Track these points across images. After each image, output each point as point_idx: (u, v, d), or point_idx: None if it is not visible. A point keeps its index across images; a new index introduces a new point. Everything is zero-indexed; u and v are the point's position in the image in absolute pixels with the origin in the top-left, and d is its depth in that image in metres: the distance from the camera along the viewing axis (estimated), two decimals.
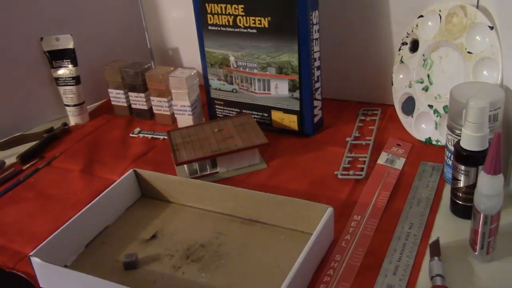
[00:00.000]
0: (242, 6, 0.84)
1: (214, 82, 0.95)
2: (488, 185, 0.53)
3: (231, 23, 0.87)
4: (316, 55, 0.85)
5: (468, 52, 0.76)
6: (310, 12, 0.81)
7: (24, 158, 0.89)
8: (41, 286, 0.62)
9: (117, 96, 1.04)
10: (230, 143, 0.79)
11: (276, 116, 0.90)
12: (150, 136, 0.95)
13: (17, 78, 0.97)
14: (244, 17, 0.85)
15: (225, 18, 0.87)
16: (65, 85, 1.00)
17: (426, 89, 0.83)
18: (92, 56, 1.05)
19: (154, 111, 1.00)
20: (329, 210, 0.61)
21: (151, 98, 0.98)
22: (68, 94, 1.00)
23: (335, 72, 0.98)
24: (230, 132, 0.82)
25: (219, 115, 0.97)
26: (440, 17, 0.80)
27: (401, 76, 0.88)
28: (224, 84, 0.94)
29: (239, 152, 0.79)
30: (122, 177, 0.74)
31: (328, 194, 0.73)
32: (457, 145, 0.61)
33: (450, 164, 0.68)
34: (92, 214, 0.67)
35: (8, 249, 0.68)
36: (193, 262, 0.63)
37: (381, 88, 0.95)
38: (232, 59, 0.90)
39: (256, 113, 0.92)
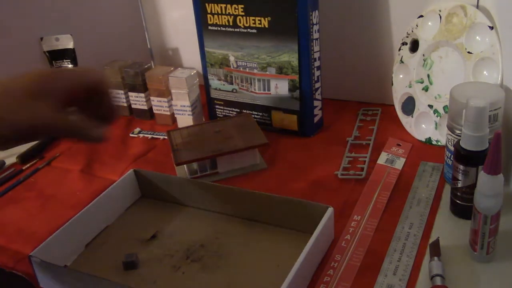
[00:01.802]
0: (242, 6, 0.84)
1: (214, 82, 0.95)
2: (488, 185, 0.53)
3: (231, 23, 0.87)
4: (316, 55, 0.85)
5: (468, 52, 0.76)
6: (310, 12, 0.81)
7: (24, 158, 0.89)
8: (41, 286, 0.62)
9: (117, 96, 1.04)
10: (230, 143, 0.79)
11: (276, 116, 0.90)
12: (150, 136, 0.95)
13: None
14: (244, 17, 0.85)
15: (225, 18, 0.87)
16: None
17: (426, 89, 0.83)
18: (92, 56, 1.05)
19: (154, 111, 1.00)
20: (329, 210, 0.61)
21: (151, 98, 0.98)
22: None
23: (335, 72, 0.98)
24: (230, 132, 0.82)
25: (219, 115, 0.97)
26: (440, 17, 0.80)
27: (401, 76, 0.88)
28: (224, 84, 0.94)
29: (239, 152, 0.79)
30: (122, 177, 0.74)
31: (328, 194, 0.73)
32: (457, 145, 0.61)
33: (450, 164, 0.68)
34: (92, 214, 0.67)
35: (8, 249, 0.68)
36: (193, 262, 0.63)
37: (381, 88, 0.95)
38: (232, 59, 0.90)
39: (256, 113, 0.92)
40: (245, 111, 0.93)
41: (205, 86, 0.97)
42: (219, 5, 0.86)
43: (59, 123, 0.55)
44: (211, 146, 0.79)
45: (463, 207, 0.64)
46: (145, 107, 1.01)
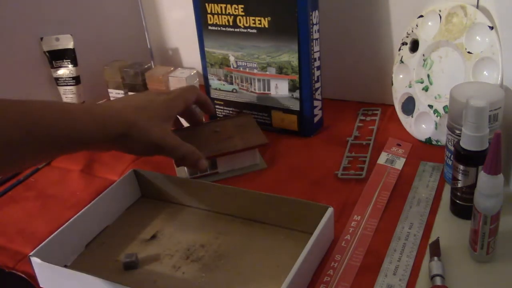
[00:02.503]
0: (242, 6, 0.84)
1: (214, 82, 0.95)
2: (488, 185, 0.53)
3: (231, 23, 0.87)
4: (316, 55, 0.85)
5: (468, 52, 0.76)
6: (310, 12, 0.81)
7: None
8: (41, 286, 0.62)
9: (117, 96, 1.03)
10: (229, 144, 0.79)
11: (276, 116, 0.90)
12: None
13: (17, 78, 0.97)
14: (244, 17, 0.85)
15: (225, 18, 0.87)
16: (65, 85, 1.00)
17: (426, 89, 0.83)
18: (92, 56, 1.05)
19: None
20: (329, 210, 0.61)
21: None
22: (68, 94, 1.00)
23: (335, 72, 0.98)
24: (229, 133, 0.82)
25: (219, 115, 0.97)
26: (440, 17, 0.80)
27: (401, 76, 0.88)
28: (224, 84, 0.94)
29: (239, 153, 0.79)
30: (122, 177, 0.74)
31: (328, 194, 0.73)
32: (457, 145, 0.61)
33: (450, 164, 0.68)
34: (92, 214, 0.67)
35: (8, 249, 0.68)
36: (193, 262, 0.63)
37: (381, 88, 0.95)
38: (232, 59, 0.90)
39: (256, 113, 0.92)
40: (245, 111, 0.93)
41: (205, 86, 0.97)
42: (219, 5, 0.86)
43: (181, 149, 0.67)
44: (210, 146, 0.79)
45: (463, 207, 0.64)
46: None
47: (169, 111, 0.68)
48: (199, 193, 0.72)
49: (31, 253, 0.59)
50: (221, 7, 0.86)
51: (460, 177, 0.62)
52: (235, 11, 0.85)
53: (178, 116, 0.79)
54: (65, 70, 0.99)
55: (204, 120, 0.83)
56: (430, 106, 0.81)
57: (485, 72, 0.74)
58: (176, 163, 0.74)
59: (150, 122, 0.63)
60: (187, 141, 0.79)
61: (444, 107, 0.79)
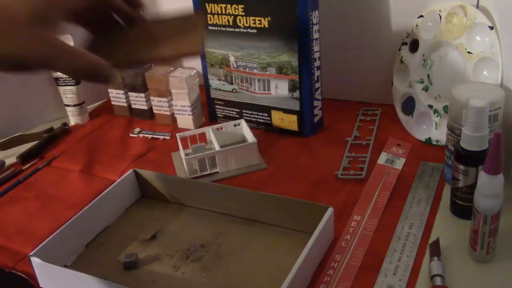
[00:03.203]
0: (242, 6, 0.84)
1: (214, 82, 0.95)
2: (488, 185, 0.53)
3: (231, 23, 0.87)
4: (316, 55, 0.85)
5: (468, 52, 0.76)
6: (310, 12, 0.81)
7: (24, 158, 0.89)
8: (41, 286, 0.62)
9: (117, 96, 1.04)
10: (153, 50, 0.56)
11: (276, 116, 0.90)
12: (150, 136, 0.95)
13: (17, 78, 0.97)
14: (244, 17, 0.85)
15: (225, 18, 0.87)
16: (65, 85, 1.00)
17: (426, 89, 0.83)
18: None
19: (154, 111, 1.00)
20: (329, 210, 0.61)
21: (151, 98, 0.98)
22: (68, 94, 1.00)
23: (335, 72, 0.98)
24: (163, 35, 0.58)
25: (219, 115, 0.97)
26: (440, 17, 0.80)
27: (401, 76, 0.88)
28: (224, 84, 0.94)
29: (238, 152, 0.79)
30: (122, 177, 0.74)
31: (328, 194, 0.73)
32: (457, 145, 0.61)
33: (450, 164, 0.68)
34: (92, 214, 0.67)
35: (8, 249, 0.68)
36: (193, 262, 0.63)
37: (381, 88, 0.95)
38: (232, 59, 0.90)
39: (256, 113, 0.92)
40: (245, 111, 0.93)
41: (205, 86, 0.97)
42: (219, 5, 0.86)
43: (71, 61, 0.49)
44: (128, 52, 0.57)
45: (463, 207, 0.64)
46: (145, 107, 1.01)
47: (48, 9, 0.48)
48: (199, 193, 0.72)
49: (31, 253, 0.59)
50: (221, 7, 0.86)
51: (460, 177, 0.62)
52: (235, 11, 0.85)
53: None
54: None
55: (146, 23, 0.57)
56: (430, 106, 0.81)
57: (485, 72, 0.74)
58: (76, 79, 0.53)
59: (6, 28, 0.44)
60: (103, 46, 0.59)
61: (444, 107, 0.79)
